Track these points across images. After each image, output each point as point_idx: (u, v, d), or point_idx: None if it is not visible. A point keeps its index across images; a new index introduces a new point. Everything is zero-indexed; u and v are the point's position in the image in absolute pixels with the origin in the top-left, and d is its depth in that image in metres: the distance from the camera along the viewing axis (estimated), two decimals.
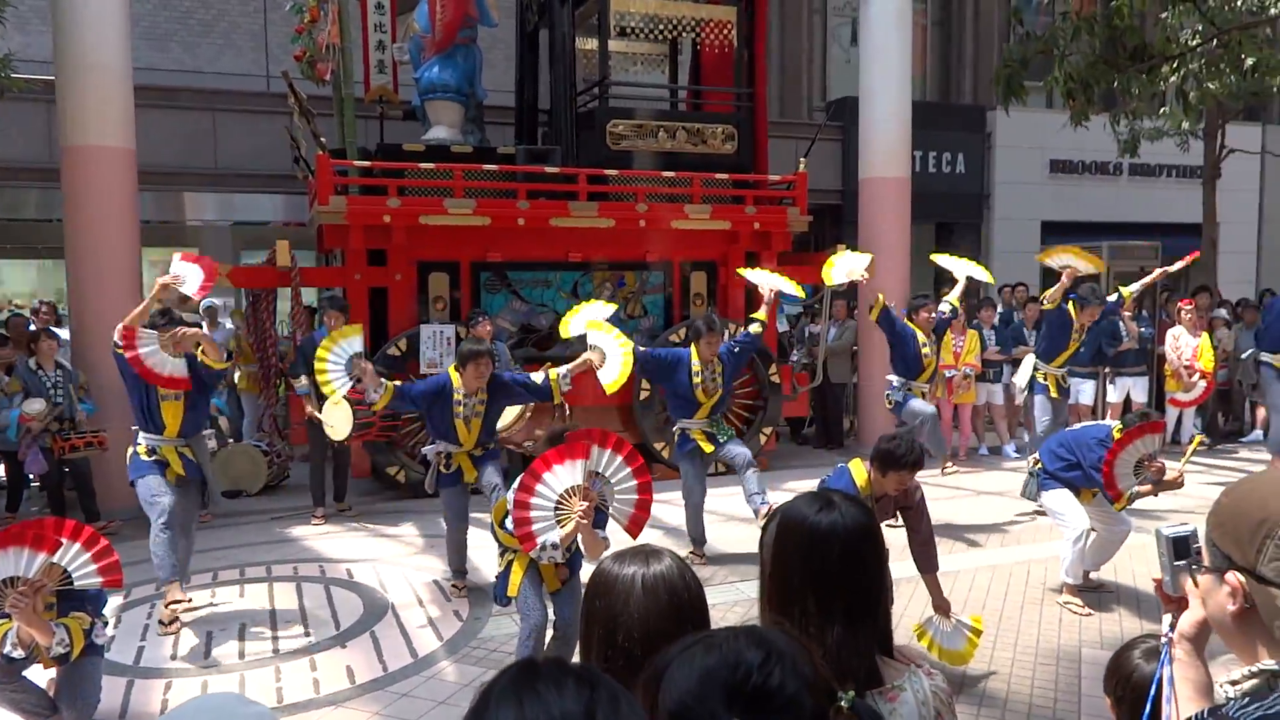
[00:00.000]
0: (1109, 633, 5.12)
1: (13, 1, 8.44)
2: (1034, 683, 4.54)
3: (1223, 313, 11.24)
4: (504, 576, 4.16)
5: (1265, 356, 8.30)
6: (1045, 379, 7.81)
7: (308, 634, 5.26)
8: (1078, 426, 5.84)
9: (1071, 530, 5.50)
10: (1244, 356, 8.77)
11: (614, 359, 5.81)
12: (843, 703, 1.13)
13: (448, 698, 4.40)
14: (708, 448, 6.43)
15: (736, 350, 6.55)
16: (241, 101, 11.83)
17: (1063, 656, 4.84)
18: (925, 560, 4.69)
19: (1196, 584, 1.46)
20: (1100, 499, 5.50)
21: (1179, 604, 1.52)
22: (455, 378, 5.52)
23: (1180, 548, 1.53)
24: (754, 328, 6.64)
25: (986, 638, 5.08)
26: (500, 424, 5.93)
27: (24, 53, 9.39)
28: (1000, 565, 6.36)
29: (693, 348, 6.44)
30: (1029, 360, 8.06)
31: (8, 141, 10.53)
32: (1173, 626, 1.51)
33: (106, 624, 4.17)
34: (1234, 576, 1.30)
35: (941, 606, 4.62)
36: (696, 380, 6.37)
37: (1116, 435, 5.31)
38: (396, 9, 10.23)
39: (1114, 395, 10.25)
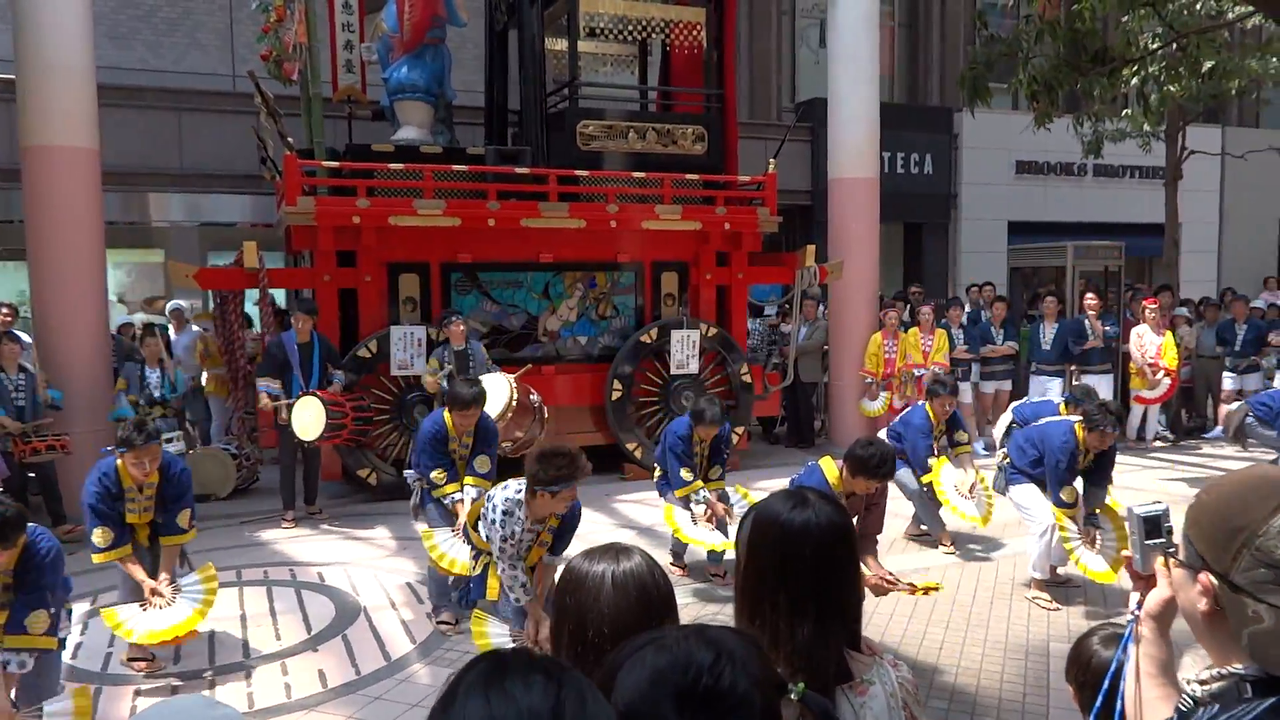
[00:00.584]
0: (1076, 626, 5.19)
1: None
2: (1003, 677, 4.60)
3: (1184, 311, 11.44)
4: (481, 580, 4.15)
5: None
6: None
7: (279, 638, 5.21)
8: (1043, 422, 5.91)
9: (1037, 525, 5.58)
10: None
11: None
12: (792, 695, 1.14)
13: (420, 700, 4.38)
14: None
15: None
16: (207, 101, 11.70)
17: (1031, 651, 4.90)
18: (865, 547, 4.75)
19: (1167, 565, 1.47)
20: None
21: (1147, 582, 1.52)
22: (448, 420, 5.47)
23: (1151, 526, 1.54)
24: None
25: (955, 633, 5.14)
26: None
27: None
28: (969, 562, 6.44)
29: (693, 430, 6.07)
30: (1007, 416, 7.95)
31: None
32: (1140, 605, 1.52)
33: (70, 613, 4.09)
34: (1206, 577, 1.29)
35: (878, 585, 4.54)
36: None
37: (1078, 432, 5.40)
38: (364, 8, 10.16)
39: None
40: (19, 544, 3.60)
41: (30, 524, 3.70)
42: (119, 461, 4.61)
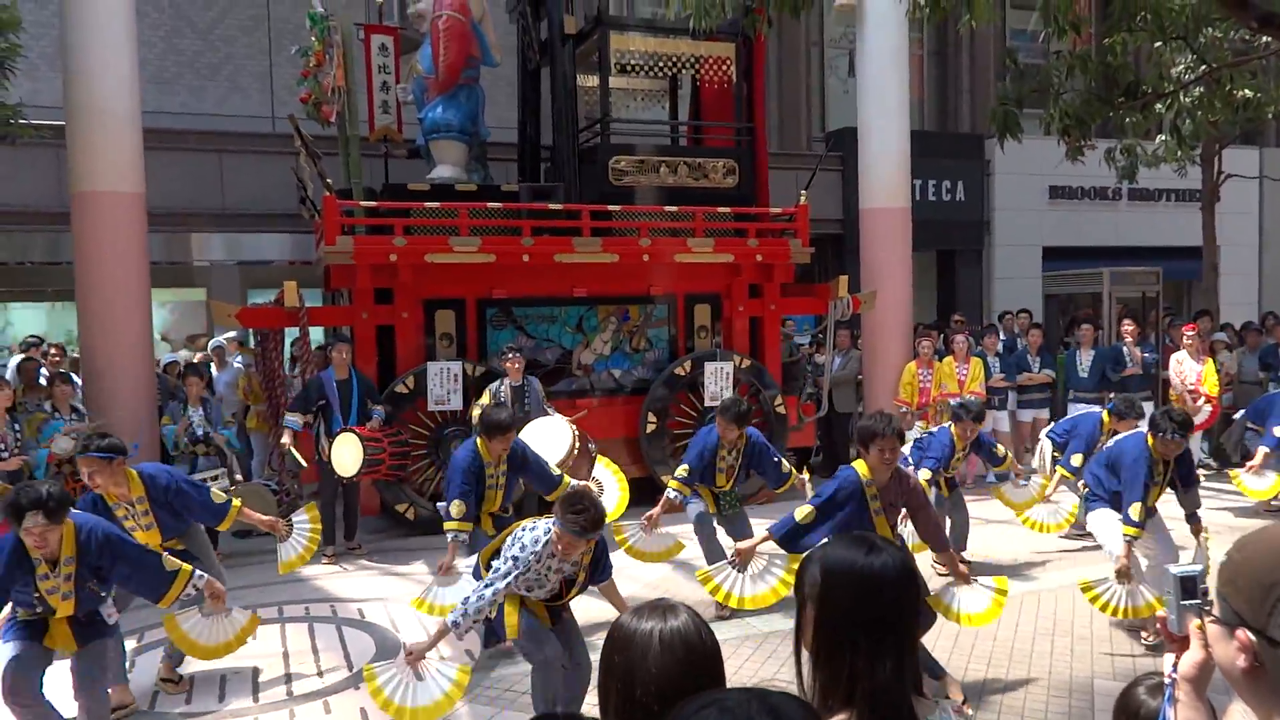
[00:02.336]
0: (1122, 666, 5.12)
1: (22, 49, 8.58)
2: (1047, 715, 4.53)
3: (1224, 336, 11.28)
4: (499, 618, 4.15)
5: None
6: None
7: (321, 675, 5.27)
8: (1118, 438, 5.87)
9: (1113, 554, 5.43)
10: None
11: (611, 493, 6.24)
12: None
13: None
14: (713, 507, 6.33)
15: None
16: (248, 143, 11.97)
17: (1075, 689, 4.84)
18: (936, 541, 4.97)
19: (1202, 626, 1.47)
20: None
21: (1182, 643, 1.52)
22: (481, 448, 5.46)
23: (1188, 587, 1.53)
24: None
25: (997, 670, 5.08)
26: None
27: (33, 99, 9.53)
28: (1011, 596, 6.35)
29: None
30: (1045, 445, 7.97)
31: (17, 186, 10.66)
32: (1175, 666, 1.51)
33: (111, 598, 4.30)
34: (1244, 634, 1.30)
35: (961, 576, 4.78)
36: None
37: (1150, 441, 5.35)
38: (400, 50, 10.37)
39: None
40: (66, 525, 3.87)
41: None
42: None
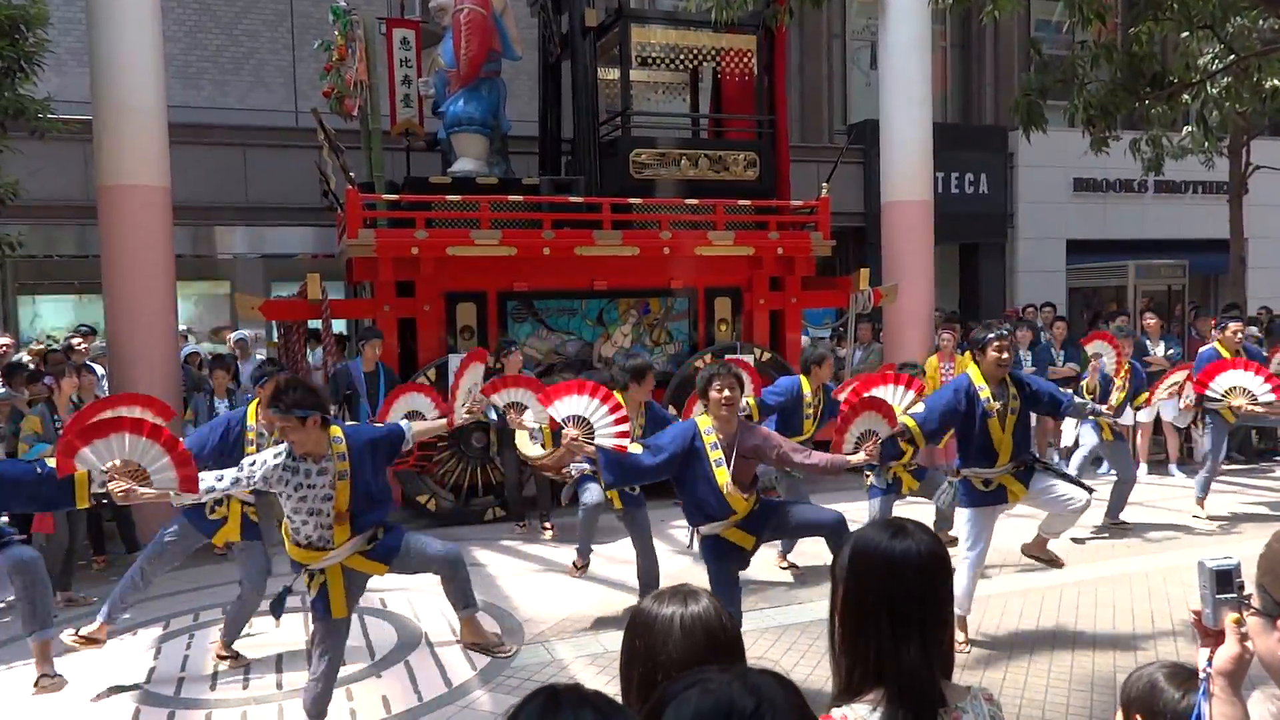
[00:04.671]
0: (1145, 659, 5.08)
1: (50, 45, 8.68)
2: (1068, 710, 4.51)
3: (1253, 330, 11.13)
4: (322, 595, 4.14)
5: None
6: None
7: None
8: None
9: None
10: None
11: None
12: None
13: None
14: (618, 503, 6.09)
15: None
16: (272, 137, 12.05)
17: (1097, 683, 4.81)
18: (820, 472, 4.80)
19: (1240, 620, 1.46)
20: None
21: (1217, 637, 1.51)
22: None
23: (1224, 581, 1.51)
24: None
25: (1019, 662, 5.06)
26: (534, 453, 5.97)
27: (61, 94, 9.64)
28: (1032, 589, 6.33)
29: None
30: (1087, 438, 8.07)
31: (45, 180, 10.78)
32: (1210, 661, 1.51)
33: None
34: None
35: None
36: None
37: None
38: (422, 44, 10.41)
39: (1145, 415, 10.16)
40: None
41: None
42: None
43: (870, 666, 1.62)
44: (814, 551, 7.19)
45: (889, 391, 5.16)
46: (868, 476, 6.60)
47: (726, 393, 4.49)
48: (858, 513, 6.23)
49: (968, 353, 5.47)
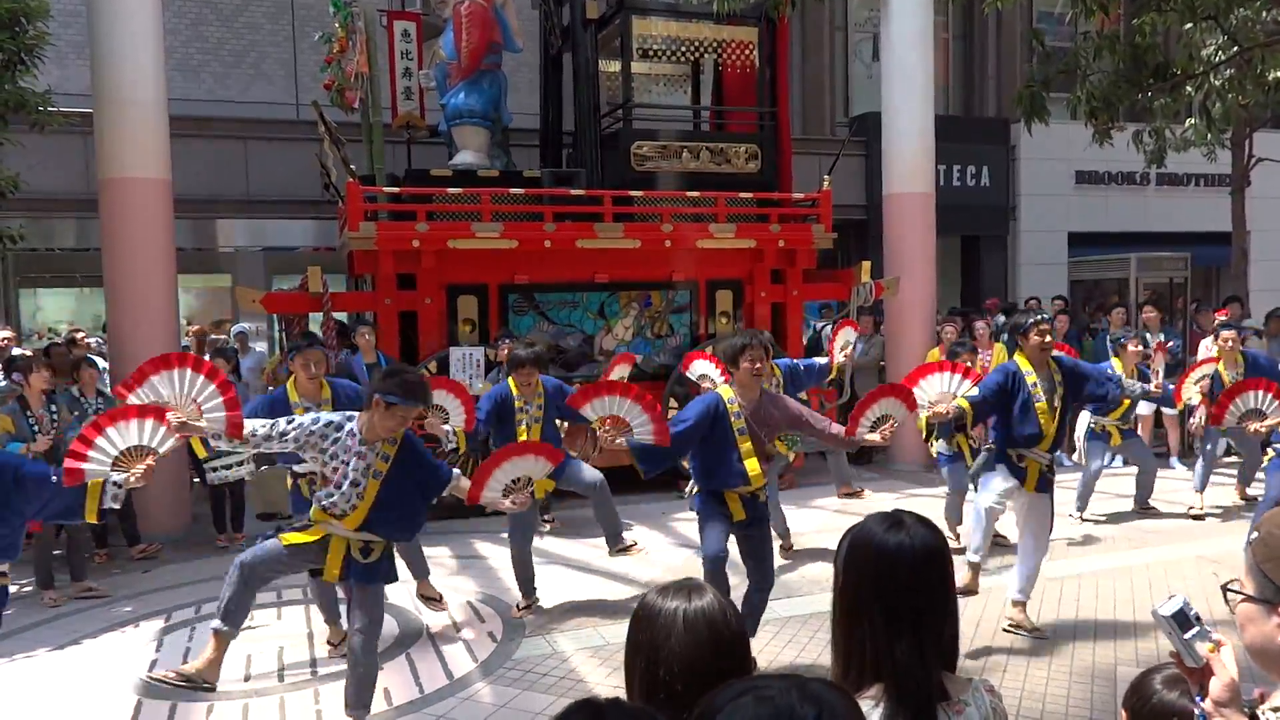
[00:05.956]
0: (1145, 652, 5.09)
1: (51, 38, 8.67)
2: (1069, 702, 4.52)
3: (1250, 322, 11.11)
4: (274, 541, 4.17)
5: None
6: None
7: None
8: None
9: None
10: None
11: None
12: None
13: (484, 719, 4.45)
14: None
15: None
16: (272, 130, 12.04)
17: (1098, 675, 4.82)
18: (836, 442, 4.97)
19: (1216, 648, 1.49)
20: None
21: (1202, 673, 1.52)
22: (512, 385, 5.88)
23: (1182, 620, 1.54)
24: None
25: (1020, 654, 5.06)
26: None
27: (62, 87, 9.63)
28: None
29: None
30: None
31: (46, 173, 10.78)
32: (1203, 696, 1.51)
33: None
34: None
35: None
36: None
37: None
38: (422, 36, 10.40)
39: (1144, 408, 10.16)
40: None
41: None
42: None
43: (867, 662, 1.62)
44: (814, 542, 7.20)
45: (943, 379, 5.23)
46: (932, 445, 7.12)
47: (757, 365, 4.63)
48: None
49: (999, 341, 5.66)
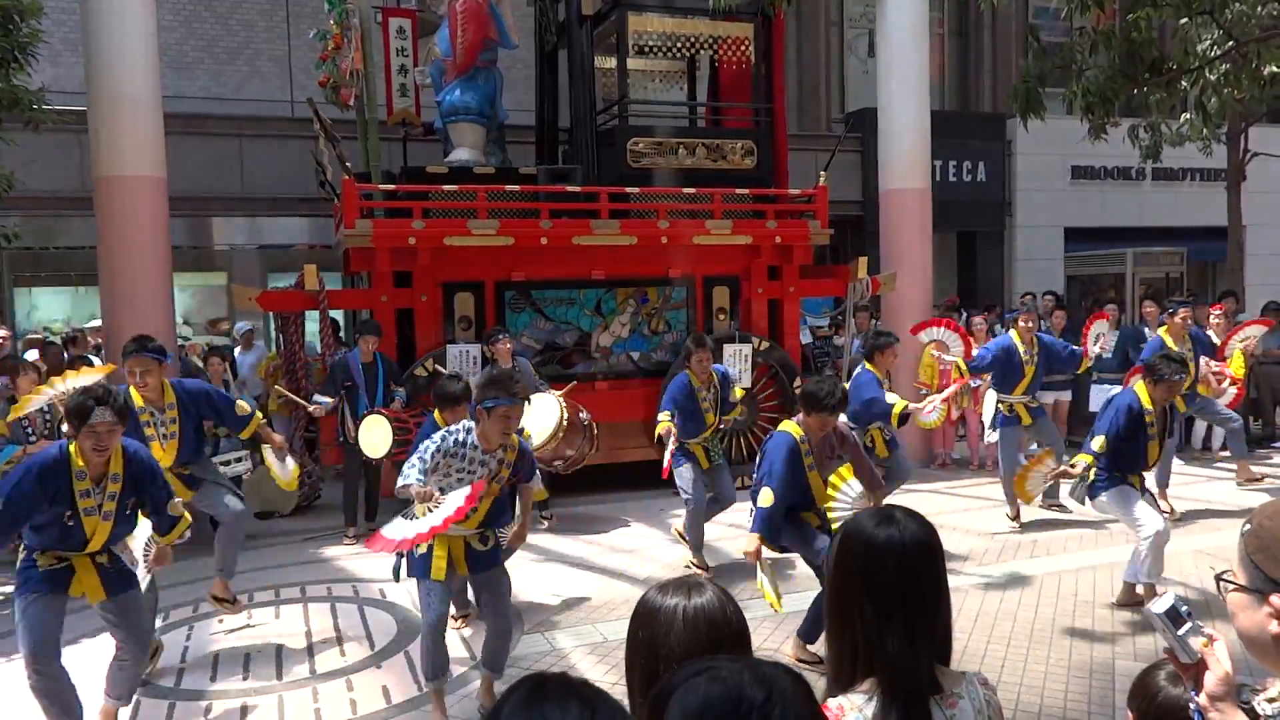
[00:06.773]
0: (1143, 646, 5.10)
1: (44, 35, 8.64)
2: (1067, 697, 4.53)
3: (1246, 317, 11.13)
4: (427, 556, 4.33)
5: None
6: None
7: (343, 654, 5.33)
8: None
9: (1147, 529, 5.47)
10: None
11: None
12: None
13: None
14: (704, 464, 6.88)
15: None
16: (267, 127, 12.02)
17: (1096, 670, 4.83)
18: (871, 482, 5.09)
19: (1209, 642, 1.50)
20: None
21: (1198, 668, 1.53)
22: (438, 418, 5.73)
23: (1175, 617, 1.56)
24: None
25: (1017, 650, 5.07)
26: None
27: (56, 85, 9.60)
28: (1031, 576, 6.35)
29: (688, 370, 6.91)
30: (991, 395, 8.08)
31: (41, 171, 10.75)
32: (1198, 691, 1.51)
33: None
34: (1278, 599, 1.32)
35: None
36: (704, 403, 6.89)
37: (1142, 392, 5.56)
38: (418, 33, 10.38)
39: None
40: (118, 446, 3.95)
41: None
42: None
43: (859, 656, 1.63)
44: None
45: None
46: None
47: (830, 419, 4.90)
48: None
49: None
